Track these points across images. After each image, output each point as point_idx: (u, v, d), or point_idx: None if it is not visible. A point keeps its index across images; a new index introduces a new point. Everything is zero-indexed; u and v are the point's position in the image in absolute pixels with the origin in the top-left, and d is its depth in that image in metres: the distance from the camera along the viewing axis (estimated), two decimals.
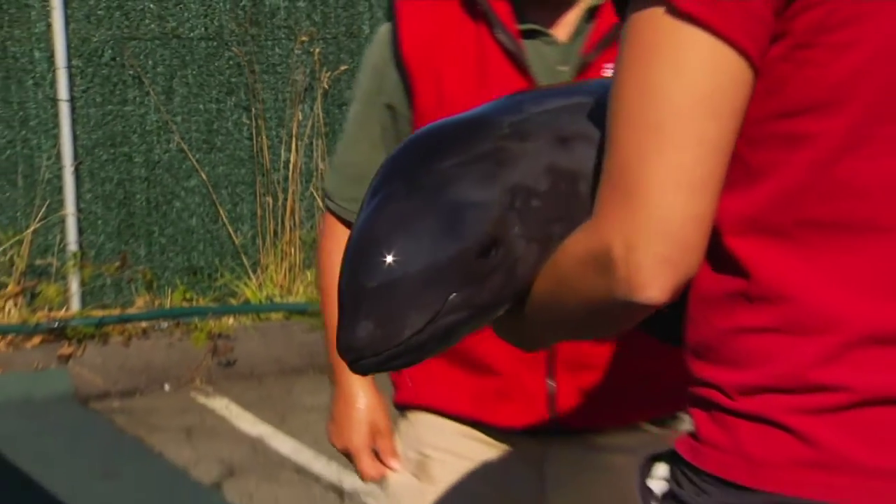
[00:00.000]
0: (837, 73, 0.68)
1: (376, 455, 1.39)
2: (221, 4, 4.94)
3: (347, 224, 1.30)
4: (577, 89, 0.95)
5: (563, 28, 1.24)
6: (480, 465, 1.36)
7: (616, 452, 1.31)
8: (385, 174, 0.85)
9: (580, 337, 1.00)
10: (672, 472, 0.76)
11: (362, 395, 1.40)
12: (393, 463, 1.38)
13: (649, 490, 0.77)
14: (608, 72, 1.00)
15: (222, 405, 4.11)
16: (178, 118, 4.92)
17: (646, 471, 0.78)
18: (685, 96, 0.67)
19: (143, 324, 4.59)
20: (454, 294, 0.78)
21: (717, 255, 0.73)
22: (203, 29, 4.96)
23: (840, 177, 0.70)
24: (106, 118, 4.81)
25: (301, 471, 3.48)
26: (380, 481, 1.41)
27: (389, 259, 0.77)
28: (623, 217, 0.69)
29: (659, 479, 0.77)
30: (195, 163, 4.91)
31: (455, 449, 1.35)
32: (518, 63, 1.21)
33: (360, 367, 0.80)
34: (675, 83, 0.67)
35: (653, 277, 0.68)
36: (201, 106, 5.00)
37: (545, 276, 0.79)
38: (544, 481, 1.33)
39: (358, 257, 0.80)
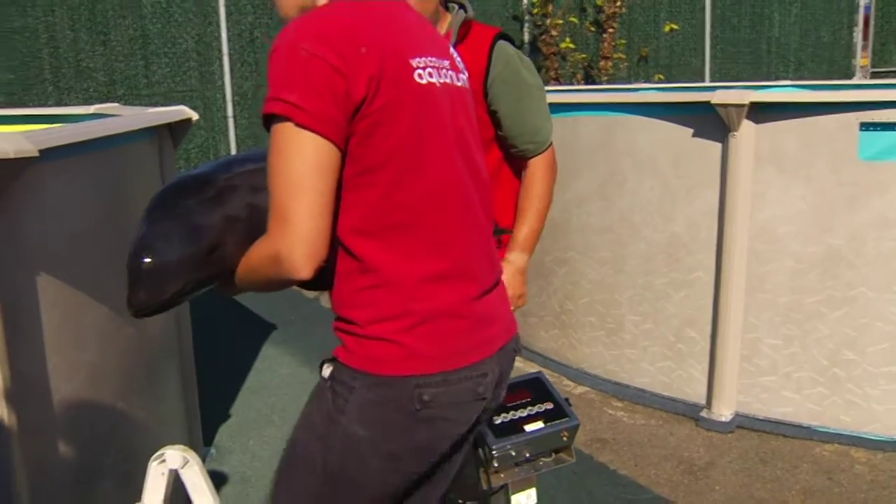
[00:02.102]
0: (383, 151, 1.39)
1: None
2: None
3: None
4: (262, 157, 1.44)
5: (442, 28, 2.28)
6: None
7: None
8: (154, 205, 1.56)
9: (264, 291, 1.57)
10: (334, 367, 1.49)
11: None
12: None
13: (322, 377, 1.51)
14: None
15: None
16: None
17: (321, 367, 1.52)
18: (304, 167, 1.33)
19: None
20: (194, 274, 1.50)
21: (343, 248, 1.43)
22: None
23: (392, 202, 1.42)
24: None
25: None
26: None
27: (154, 256, 1.48)
28: (283, 233, 1.34)
29: (327, 370, 1.50)
30: None
31: None
32: None
33: (139, 315, 1.53)
34: (299, 160, 1.33)
35: (301, 266, 1.34)
36: None
37: (244, 264, 1.49)
38: None
39: (137, 252, 1.49)
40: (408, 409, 1.45)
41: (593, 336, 4.23)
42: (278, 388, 4.22)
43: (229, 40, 9.36)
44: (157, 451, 1.87)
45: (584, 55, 10.07)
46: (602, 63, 9.93)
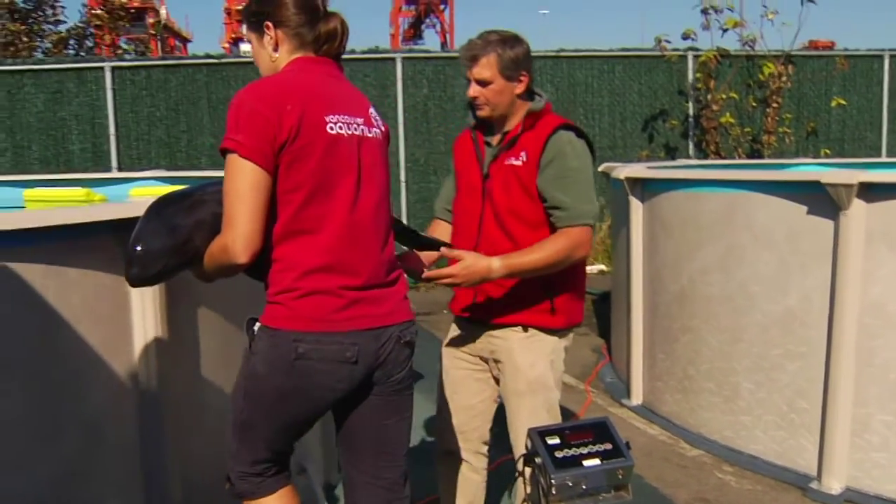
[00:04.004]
0: (298, 178, 2.03)
1: None
2: None
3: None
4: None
5: (495, 139, 2.81)
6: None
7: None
8: (148, 210, 2.15)
9: (217, 278, 2.16)
10: (260, 326, 2.11)
11: None
12: None
13: (252, 331, 2.12)
14: (508, 160, 2.72)
15: None
16: None
17: (250, 323, 2.13)
18: (244, 185, 1.98)
19: None
20: (172, 259, 2.11)
21: (270, 245, 2.04)
22: None
23: (302, 214, 2.05)
24: None
25: None
26: None
27: (143, 245, 2.09)
28: (229, 231, 1.98)
29: (255, 326, 2.12)
30: None
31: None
32: (479, 150, 2.84)
33: (134, 286, 2.17)
34: (241, 181, 1.98)
35: (241, 254, 1.98)
36: None
37: (206, 254, 2.08)
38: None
39: (133, 242, 2.08)
40: (288, 356, 2.06)
41: (711, 402, 4.38)
42: None
43: (405, 111, 10.10)
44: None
45: (748, 129, 10.10)
46: (765, 137, 9.91)
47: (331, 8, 2.24)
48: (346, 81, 2.26)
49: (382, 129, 2.28)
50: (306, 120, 2.03)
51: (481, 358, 2.89)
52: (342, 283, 2.09)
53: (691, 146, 10.34)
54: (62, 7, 13.61)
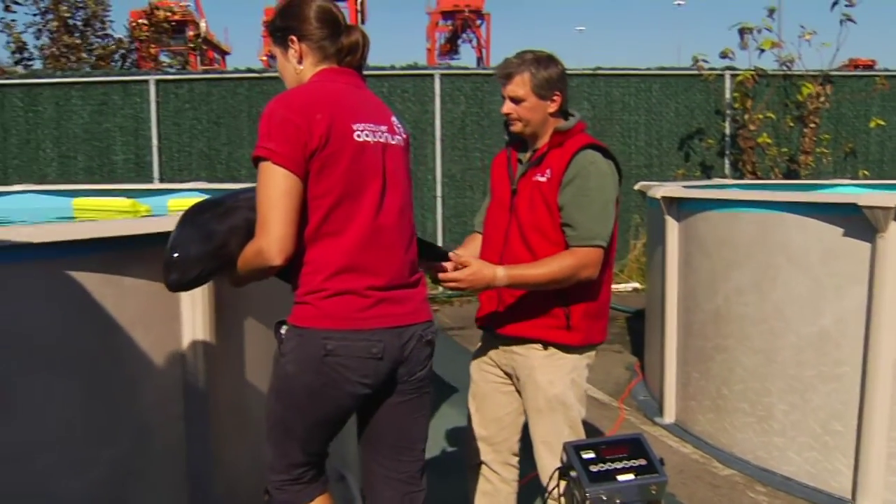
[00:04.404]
0: (328, 184, 2.15)
1: None
2: None
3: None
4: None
5: (526, 156, 2.88)
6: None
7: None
8: (184, 217, 2.25)
9: (249, 281, 2.28)
10: (288, 327, 2.21)
11: None
12: None
13: (280, 333, 2.23)
14: (535, 177, 2.80)
15: None
16: None
17: (278, 326, 2.23)
18: (277, 190, 2.09)
19: None
20: (208, 264, 2.20)
21: (300, 249, 2.15)
22: None
23: (330, 218, 2.16)
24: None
25: None
26: None
27: (181, 251, 2.18)
28: (263, 235, 2.10)
29: (283, 328, 2.22)
30: None
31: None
32: (511, 166, 2.93)
33: (173, 290, 2.25)
34: (275, 186, 2.10)
35: (275, 256, 2.09)
36: None
37: (240, 258, 2.19)
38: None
39: (171, 248, 2.18)
40: (317, 354, 2.15)
41: (745, 422, 4.39)
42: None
43: (442, 126, 10.18)
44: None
45: (784, 149, 10.06)
46: (803, 158, 9.87)
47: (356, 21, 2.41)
48: (368, 91, 2.38)
49: (404, 136, 2.39)
50: (335, 128, 2.15)
51: (505, 372, 2.96)
52: (368, 283, 2.19)
53: (727, 165, 10.32)
54: (111, 21, 13.90)
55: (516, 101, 2.80)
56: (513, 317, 2.84)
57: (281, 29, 2.33)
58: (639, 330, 6.61)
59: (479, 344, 3.07)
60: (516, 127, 2.84)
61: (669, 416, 5.12)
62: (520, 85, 2.78)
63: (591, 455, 2.39)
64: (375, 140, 2.24)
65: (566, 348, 2.81)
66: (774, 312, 4.20)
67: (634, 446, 2.43)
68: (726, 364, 4.52)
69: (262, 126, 2.13)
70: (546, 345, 2.81)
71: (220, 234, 2.21)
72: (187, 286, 2.26)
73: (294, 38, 2.30)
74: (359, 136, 2.20)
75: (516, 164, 2.91)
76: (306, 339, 2.16)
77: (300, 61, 2.31)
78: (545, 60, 2.79)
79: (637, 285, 9.41)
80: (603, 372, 6.11)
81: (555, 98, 2.80)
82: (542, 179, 2.77)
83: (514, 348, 2.87)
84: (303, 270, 2.18)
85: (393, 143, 2.31)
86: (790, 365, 4.12)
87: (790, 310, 4.11)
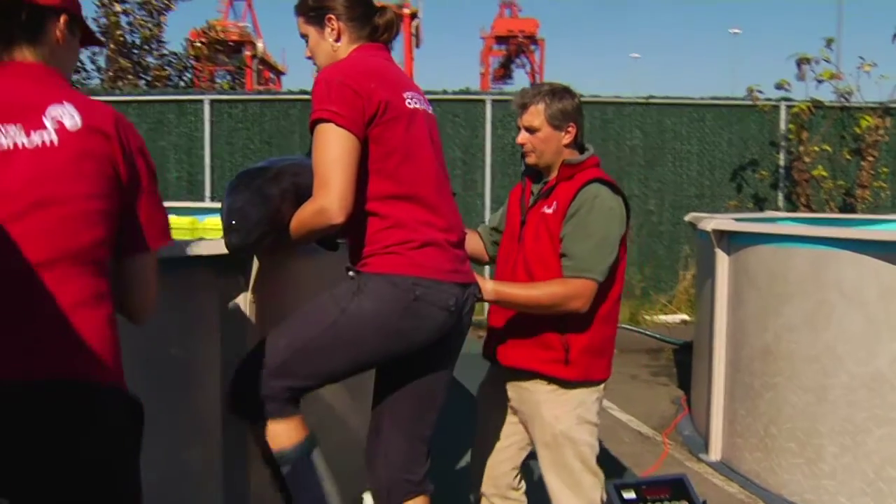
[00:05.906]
0: (388, 148, 2.29)
1: None
2: None
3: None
4: (301, 159, 2.52)
5: (537, 188, 2.88)
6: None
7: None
8: (235, 183, 2.36)
9: (304, 243, 2.42)
10: (358, 273, 2.31)
11: None
12: None
13: (350, 275, 2.33)
14: (542, 209, 2.79)
15: None
16: None
17: (346, 271, 2.34)
18: (339, 150, 2.19)
19: None
20: (266, 227, 2.27)
21: (364, 210, 2.27)
22: None
23: (395, 178, 2.30)
24: None
25: None
26: None
27: (240, 214, 2.25)
28: (325, 193, 2.17)
29: (352, 273, 2.32)
30: None
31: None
32: (524, 197, 2.91)
33: (234, 253, 2.30)
34: (336, 146, 2.19)
35: (337, 214, 2.16)
36: None
37: (295, 219, 2.29)
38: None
39: (227, 214, 2.26)
40: (406, 298, 2.25)
41: (793, 463, 4.26)
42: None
43: (493, 152, 10.19)
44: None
45: (840, 182, 9.86)
46: (859, 192, 9.66)
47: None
48: (394, 63, 2.55)
49: (430, 106, 2.56)
50: (390, 96, 2.29)
51: (511, 405, 2.94)
52: (444, 236, 2.35)
53: (780, 198, 10.14)
54: (165, 42, 14.18)
55: (531, 130, 2.82)
56: (515, 348, 2.84)
57: (315, 9, 2.44)
58: (686, 363, 6.49)
59: (487, 373, 3.07)
60: (531, 158, 2.86)
61: (715, 454, 5.00)
62: (535, 115, 2.80)
63: (633, 495, 2.35)
64: (421, 107, 2.42)
65: (566, 383, 2.78)
66: (826, 350, 4.08)
67: (677, 487, 2.39)
68: (774, 402, 4.41)
69: (320, 91, 2.22)
70: (549, 379, 2.79)
71: (275, 197, 2.29)
72: (248, 249, 2.32)
73: (332, 16, 2.42)
74: (409, 103, 2.36)
75: (529, 195, 2.92)
76: (397, 283, 2.25)
77: (337, 39, 2.43)
78: (561, 92, 2.82)
79: (686, 317, 9.26)
80: (648, 405, 6.01)
81: (569, 129, 2.81)
82: (549, 211, 2.77)
83: (521, 383, 2.86)
84: (377, 226, 2.29)
85: (430, 111, 2.50)
86: (841, 405, 4.00)
87: (843, 348, 4.00)
